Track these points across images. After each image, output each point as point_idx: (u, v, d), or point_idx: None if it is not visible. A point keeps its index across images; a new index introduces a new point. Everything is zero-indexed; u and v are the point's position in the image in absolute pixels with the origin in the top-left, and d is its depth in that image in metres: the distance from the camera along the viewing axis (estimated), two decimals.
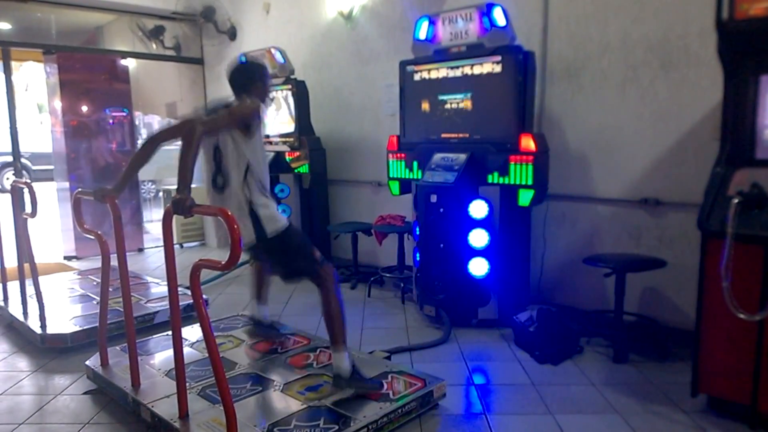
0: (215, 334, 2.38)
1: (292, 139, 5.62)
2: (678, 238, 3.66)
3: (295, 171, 5.64)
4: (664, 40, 3.62)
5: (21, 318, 4.04)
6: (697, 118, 3.53)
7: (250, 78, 2.98)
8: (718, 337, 2.64)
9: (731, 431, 2.61)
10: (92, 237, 3.09)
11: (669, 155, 3.68)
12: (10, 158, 6.73)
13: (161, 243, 2.58)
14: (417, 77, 4.31)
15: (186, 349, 2.99)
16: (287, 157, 5.70)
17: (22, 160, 14.01)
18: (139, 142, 5.18)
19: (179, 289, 2.56)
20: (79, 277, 5.37)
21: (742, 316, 2.43)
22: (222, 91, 7.21)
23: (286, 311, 4.52)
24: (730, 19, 2.56)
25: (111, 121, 6.89)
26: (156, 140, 2.97)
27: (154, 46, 7.49)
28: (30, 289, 4.06)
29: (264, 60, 5.54)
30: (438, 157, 4.13)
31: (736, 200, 2.46)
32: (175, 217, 2.48)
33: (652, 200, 3.76)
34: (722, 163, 2.70)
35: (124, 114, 6.97)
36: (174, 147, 2.63)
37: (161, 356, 3.34)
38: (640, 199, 3.82)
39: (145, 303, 4.38)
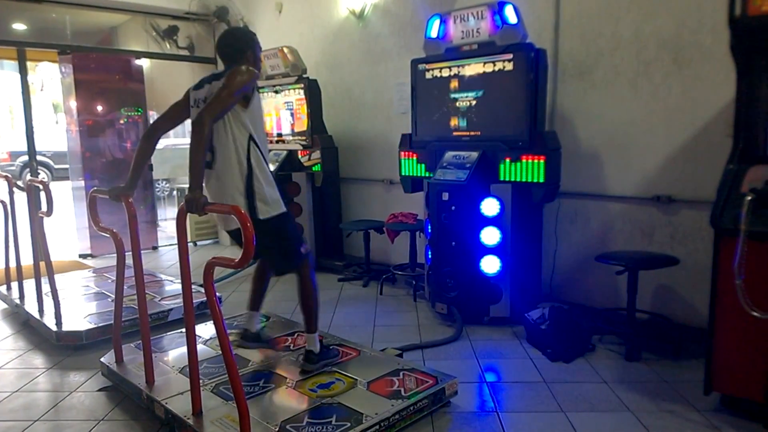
0: (228, 331, 2.40)
1: (304, 138, 5.64)
2: (691, 235, 3.64)
3: (308, 169, 5.66)
4: (677, 36, 3.60)
5: (37, 315, 4.10)
6: (710, 114, 3.50)
7: (240, 46, 2.84)
8: (732, 334, 2.63)
9: (745, 430, 2.60)
10: (107, 235, 3.12)
11: (682, 152, 3.66)
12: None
13: (175, 241, 2.60)
14: (428, 75, 4.31)
15: (199, 347, 3.02)
16: (300, 156, 5.73)
17: (45, 158, 14.31)
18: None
19: (193, 286, 2.59)
20: (94, 274, 5.43)
21: (755, 314, 2.41)
22: None
23: (298, 309, 4.52)
24: (743, 15, 2.54)
25: (125, 120, 6.95)
26: (154, 129, 2.97)
27: (167, 45, 7.55)
28: (45, 287, 4.11)
29: (277, 59, 5.57)
30: (450, 155, 4.14)
31: (749, 197, 2.44)
32: (188, 215, 2.52)
33: (664, 197, 3.74)
34: (735, 160, 2.68)
35: (139, 113, 7.04)
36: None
37: (175, 353, 3.37)
38: (652, 196, 3.80)
39: (159, 300, 4.42)
